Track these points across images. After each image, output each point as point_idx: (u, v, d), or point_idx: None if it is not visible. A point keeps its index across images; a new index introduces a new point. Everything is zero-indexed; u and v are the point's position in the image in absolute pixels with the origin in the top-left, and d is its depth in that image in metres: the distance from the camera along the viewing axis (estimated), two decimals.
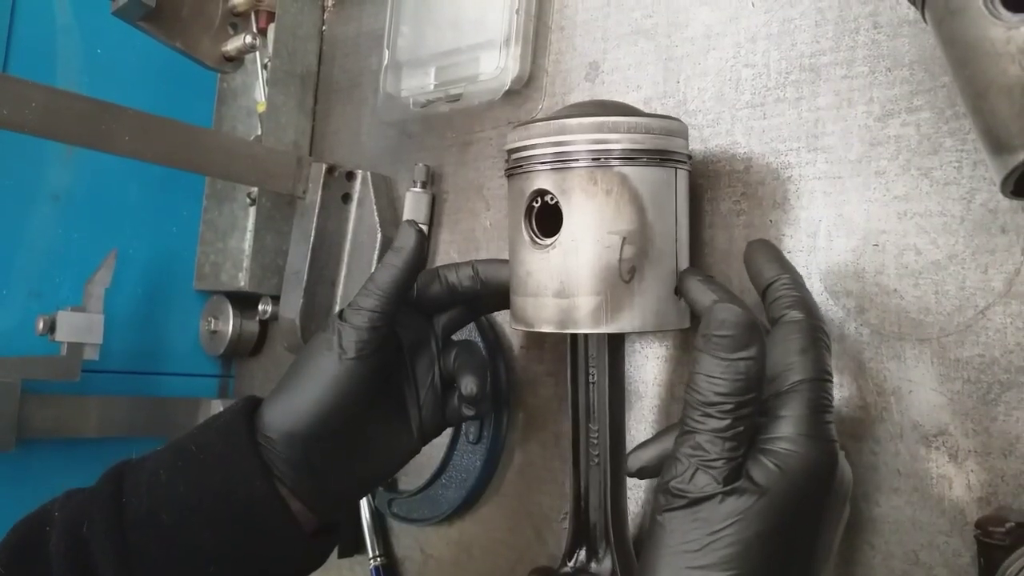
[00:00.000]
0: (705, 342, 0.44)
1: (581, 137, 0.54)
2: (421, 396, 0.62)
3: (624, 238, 0.54)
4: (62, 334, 0.80)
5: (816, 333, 0.47)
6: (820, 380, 0.46)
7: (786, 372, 0.46)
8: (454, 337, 0.67)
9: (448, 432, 0.77)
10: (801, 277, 0.53)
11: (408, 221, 0.60)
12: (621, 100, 0.68)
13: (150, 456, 0.56)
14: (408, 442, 0.63)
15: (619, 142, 0.54)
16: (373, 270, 0.62)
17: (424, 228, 0.59)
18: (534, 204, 0.57)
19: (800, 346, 0.47)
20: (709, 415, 0.44)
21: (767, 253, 0.53)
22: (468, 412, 0.63)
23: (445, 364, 0.64)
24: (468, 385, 0.60)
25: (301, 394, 0.56)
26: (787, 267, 0.52)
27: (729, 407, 0.43)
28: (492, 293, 0.63)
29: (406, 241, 0.58)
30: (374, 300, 0.57)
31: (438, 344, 0.64)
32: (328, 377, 0.56)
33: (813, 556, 0.45)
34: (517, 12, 0.75)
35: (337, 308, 0.86)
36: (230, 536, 0.52)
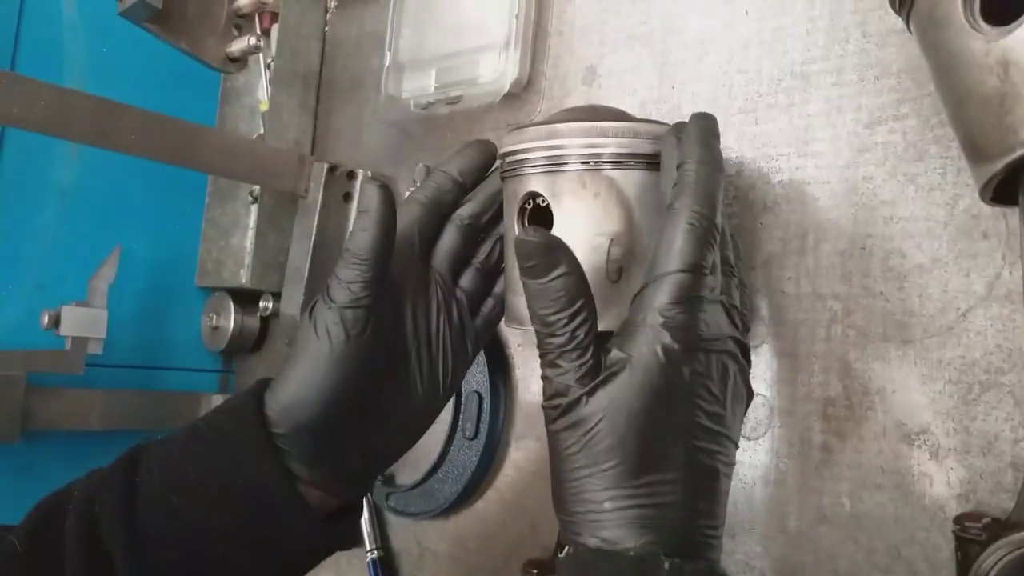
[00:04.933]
0: (522, 274, 0.48)
1: (571, 141, 0.56)
2: (434, 348, 0.59)
3: (612, 239, 0.55)
4: (66, 328, 0.82)
5: (694, 223, 0.47)
6: (685, 271, 0.47)
7: (655, 264, 0.48)
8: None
9: (445, 428, 0.78)
10: (718, 159, 0.51)
11: (369, 179, 0.57)
12: (617, 104, 0.69)
13: (166, 439, 0.55)
14: (428, 402, 0.59)
15: (608, 146, 0.55)
16: (347, 238, 0.59)
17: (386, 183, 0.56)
18: (526, 206, 0.58)
19: (671, 238, 0.48)
20: (551, 335, 0.48)
21: (695, 133, 0.51)
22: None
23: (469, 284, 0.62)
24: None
25: (301, 386, 0.53)
26: (705, 148, 0.50)
27: (562, 322, 0.47)
28: (486, 194, 0.62)
29: (371, 200, 0.54)
30: (355, 271, 0.53)
31: (442, 283, 0.60)
32: (324, 366, 0.53)
33: (696, 434, 0.46)
34: (517, 17, 0.77)
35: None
36: (239, 518, 0.51)
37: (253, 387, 0.56)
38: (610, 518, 0.45)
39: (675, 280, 0.47)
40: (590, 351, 0.47)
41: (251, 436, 0.53)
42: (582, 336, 0.47)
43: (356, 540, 0.58)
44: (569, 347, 0.47)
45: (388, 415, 0.57)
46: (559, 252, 0.47)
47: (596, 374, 0.46)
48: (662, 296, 0.47)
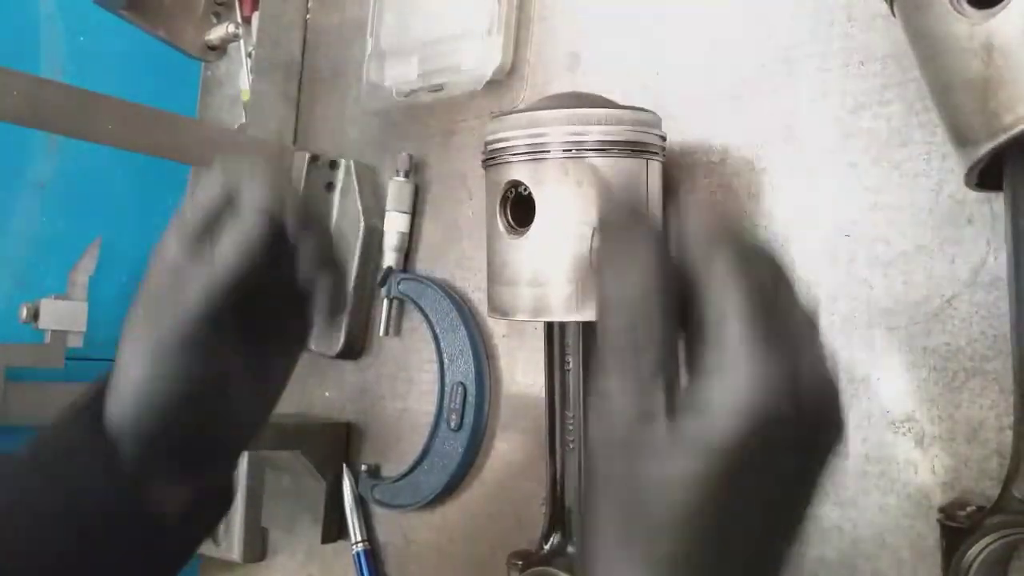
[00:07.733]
0: None
1: (553, 129, 0.55)
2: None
3: (595, 228, 0.55)
4: (45, 322, 0.81)
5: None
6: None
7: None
8: None
9: (430, 419, 0.78)
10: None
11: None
12: (601, 91, 0.69)
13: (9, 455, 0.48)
14: (281, 371, 0.53)
15: (590, 134, 0.55)
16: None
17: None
18: (509, 195, 0.58)
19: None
20: None
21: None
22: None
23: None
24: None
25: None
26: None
27: None
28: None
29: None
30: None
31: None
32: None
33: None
34: (499, 2, 0.76)
35: None
36: (75, 532, 0.45)
37: (88, 394, 0.48)
38: None
39: None
40: None
41: (86, 449, 0.46)
42: None
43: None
44: None
45: (242, 400, 0.50)
46: None
47: None
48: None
